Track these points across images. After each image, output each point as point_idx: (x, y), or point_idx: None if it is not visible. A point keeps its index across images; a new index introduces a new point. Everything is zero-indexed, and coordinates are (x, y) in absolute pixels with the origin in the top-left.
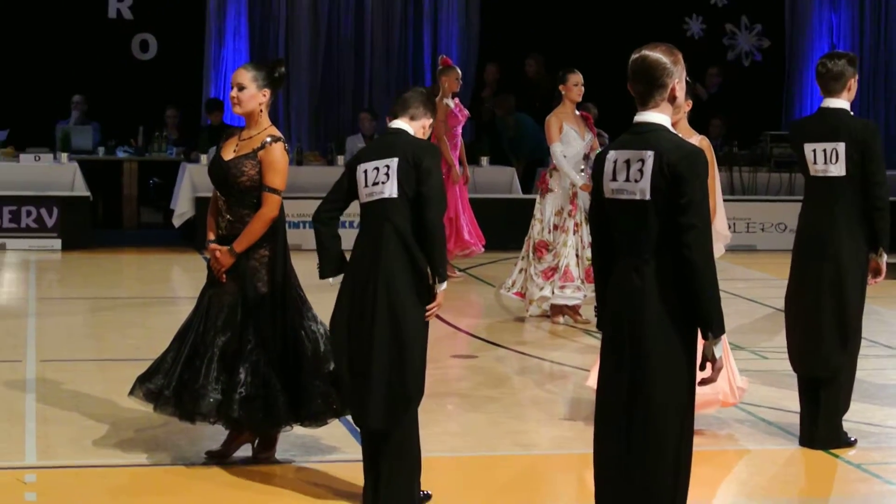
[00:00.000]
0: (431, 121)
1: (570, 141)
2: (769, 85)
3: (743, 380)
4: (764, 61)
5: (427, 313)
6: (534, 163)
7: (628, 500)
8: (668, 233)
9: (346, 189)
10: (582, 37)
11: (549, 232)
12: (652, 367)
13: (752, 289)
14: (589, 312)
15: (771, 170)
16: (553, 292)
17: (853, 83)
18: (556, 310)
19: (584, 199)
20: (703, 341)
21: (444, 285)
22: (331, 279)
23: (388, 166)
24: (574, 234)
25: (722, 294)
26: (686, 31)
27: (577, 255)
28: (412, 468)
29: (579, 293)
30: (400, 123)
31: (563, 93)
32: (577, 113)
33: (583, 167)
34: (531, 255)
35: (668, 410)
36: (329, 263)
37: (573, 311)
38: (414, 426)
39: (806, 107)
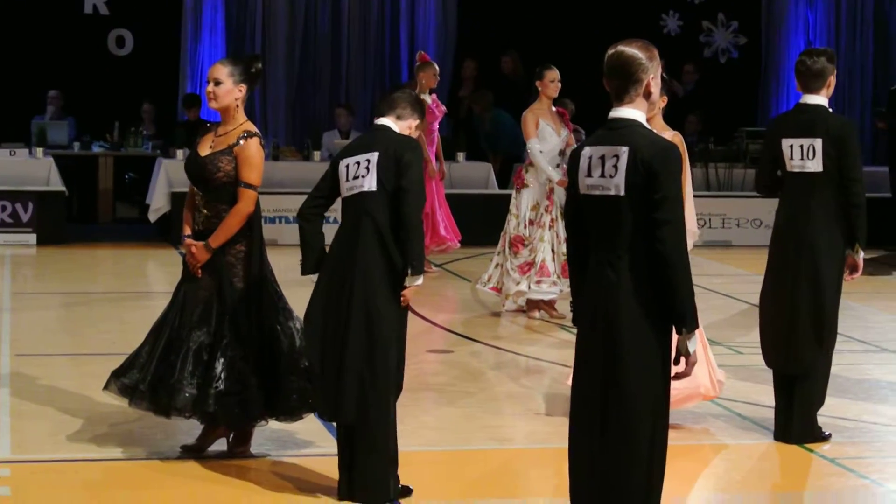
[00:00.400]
0: (418, 122)
1: (546, 137)
2: (745, 82)
3: (721, 373)
4: (740, 58)
5: (404, 299)
6: (510, 158)
7: (603, 493)
8: (643, 228)
9: (329, 185)
10: (559, 33)
11: (525, 227)
12: (626, 361)
13: (728, 284)
14: (565, 307)
15: (746, 166)
16: (529, 287)
17: (832, 80)
18: (532, 304)
19: (560, 195)
20: (677, 336)
21: (420, 279)
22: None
23: (368, 160)
24: (550, 229)
25: (697, 289)
26: (663, 27)
27: (552, 251)
28: (386, 462)
29: (555, 288)
30: (385, 121)
31: (539, 89)
32: (554, 109)
33: (559, 163)
34: (507, 250)
35: (642, 404)
36: (312, 260)
37: (549, 305)
38: (388, 420)
39: (782, 104)
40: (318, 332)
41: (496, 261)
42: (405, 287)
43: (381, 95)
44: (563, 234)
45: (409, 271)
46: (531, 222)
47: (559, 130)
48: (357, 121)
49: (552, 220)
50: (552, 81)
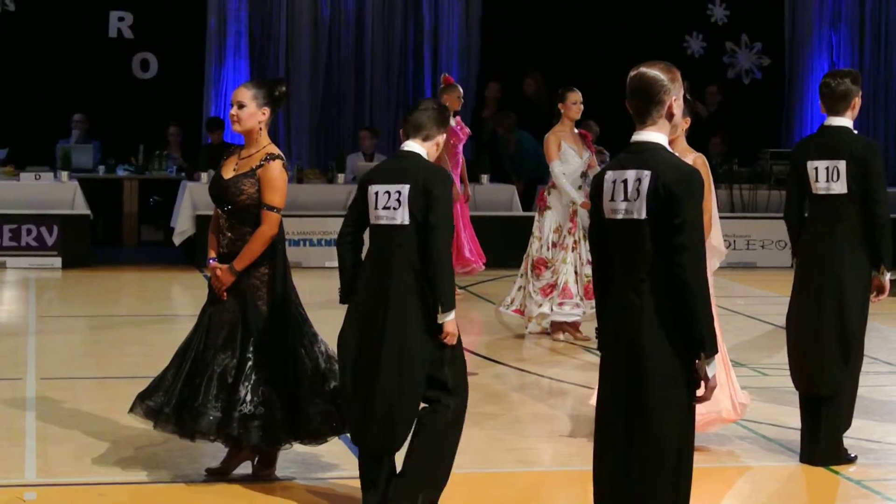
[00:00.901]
0: (444, 135)
1: (568, 159)
2: (769, 103)
3: (745, 395)
4: (764, 79)
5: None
6: (534, 181)
7: None
8: (664, 253)
9: (360, 209)
10: (582, 55)
11: (548, 249)
12: (650, 383)
13: (752, 306)
14: (589, 329)
15: (771, 187)
16: (552, 309)
17: (857, 101)
18: (556, 326)
19: (583, 217)
20: (697, 361)
21: (451, 315)
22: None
23: (399, 192)
24: (573, 251)
25: (721, 311)
26: (686, 49)
27: (575, 272)
28: (418, 487)
29: (578, 310)
30: (413, 146)
31: (561, 111)
32: (576, 131)
33: (581, 185)
34: (530, 272)
35: (666, 428)
36: (350, 289)
37: (573, 327)
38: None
39: (806, 124)
40: (350, 359)
41: (519, 283)
42: (440, 324)
43: (406, 111)
44: (585, 255)
45: (440, 308)
46: (554, 244)
47: (581, 152)
48: (381, 143)
49: (575, 242)
50: (574, 104)
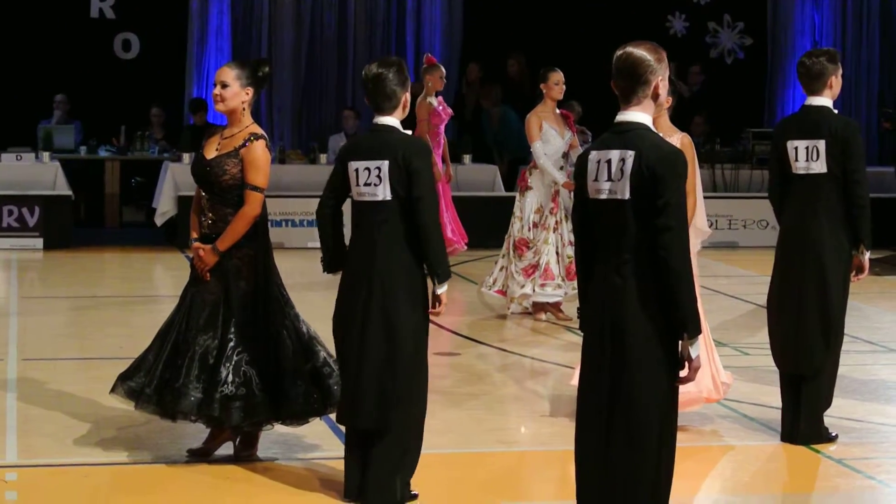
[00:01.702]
0: (408, 92)
1: (549, 139)
2: (751, 82)
3: (727, 375)
4: (746, 59)
5: (432, 315)
6: (516, 161)
7: (611, 495)
8: (647, 233)
9: (339, 183)
10: (564, 35)
11: (530, 230)
12: (632, 364)
13: (734, 285)
14: (571, 310)
15: (753, 167)
16: (534, 290)
17: (834, 80)
18: (538, 307)
19: (565, 198)
20: (680, 341)
21: (446, 286)
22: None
23: (379, 168)
24: (554, 231)
25: (704, 291)
26: (669, 28)
27: (557, 253)
28: (398, 467)
29: (560, 290)
30: (387, 120)
31: (543, 91)
32: (558, 111)
33: (562, 165)
34: (511, 252)
35: (649, 407)
36: (329, 259)
37: (555, 308)
38: (408, 428)
39: (788, 104)
40: (341, 338)
41: (501, 264)
42: (436, 296)
43: (365, 80)
44: (568, 236)
45: (436, 280)
46: (535, 225)
47: (563, 133)
48: (363, 123)
49: (557, 222)
50: (556, 84)
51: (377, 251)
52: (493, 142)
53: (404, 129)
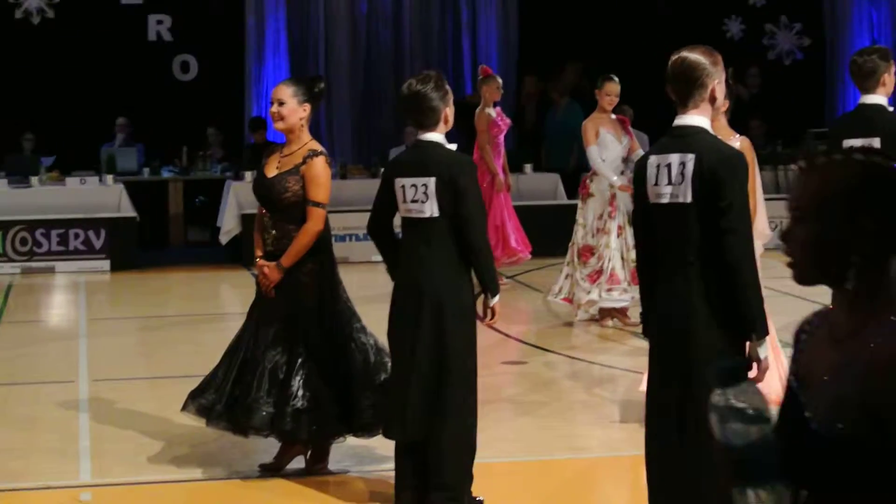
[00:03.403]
0: (449, 106)
1: (607, 144)
2: (811, 83)
3: None
4: (805, 59)
5: (487, 325)
6: (578, 169)
7: (681, 499)
8: (710, 235)
9: (387, 200)
10: (621, 42)
11: (593, 236)
12: (700, 368)
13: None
14: (637, 314)
15: None
16: (600, 295)
17: (887, 77)
18: (605, 313)
19: (623, 201)
20: (748, 343)
21: (497, 298)
22: None
23: (425, 185)
24: (618, 236)
25: (769, 292)
26: (725, 32)
27: (622, 258)
28: (462, 478)
29: (626, 295)
30: (431, 136)
31: (598, 98)
32: (614, 117)
33: (623, 170)
34: (576, 260)
35: None
36: (395, 263)
37: (621, 313)
38: (460, 437)
39: (849, 103)
40: (393, 352)
41: (566, 271)
42: (491, 307)
43: (403, 99)
44: (631, 241)
45: (489, 295)
46: (598, 231)
47: (620, 138)
48: None
49: (619, 226)
50: (608, 95)
51: (425, 266)
52: (555, 134)
53: (464, 140)
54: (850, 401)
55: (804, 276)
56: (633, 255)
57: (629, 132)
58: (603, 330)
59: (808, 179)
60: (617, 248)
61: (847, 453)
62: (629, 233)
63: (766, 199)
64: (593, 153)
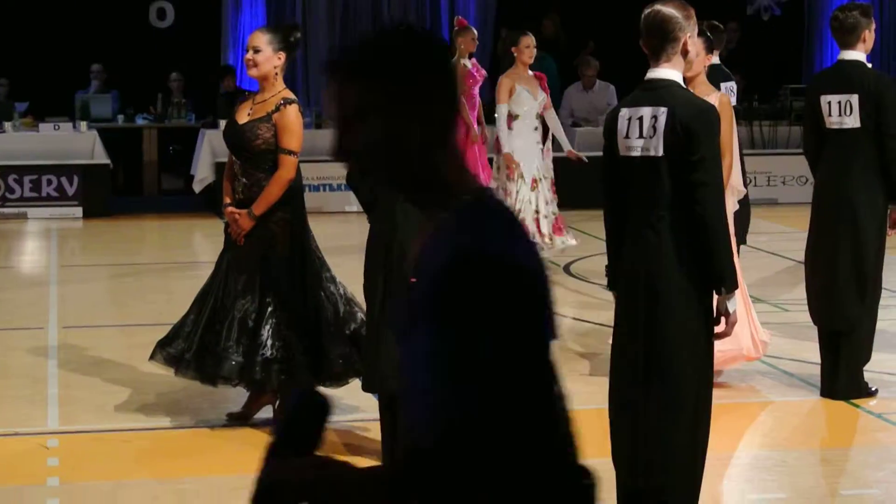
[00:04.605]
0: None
1: (522, 101)
2: (788, 39)
3: (766, 333)
4: (783, 15)
5: None
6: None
7: (647, 452)
8: (681, 189)
9: None
10: None
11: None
12: (668, 320)
13: (774, 242)
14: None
15: (791, 123)
16: None
17: (868, 34)
18: None
19: (529, 158)
20: (717, 296)
21: None
22: None
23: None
24: (531, 189)
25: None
26: None
27: (536, 210)
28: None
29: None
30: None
31: (514, 55)
32: (531, 73)
33: (537, 126)
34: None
35: (685, 363)
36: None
37: None
38: None
39: (826, 60)
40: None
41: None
42: None
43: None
44: (548, 195)
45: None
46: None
47: (536, 94)
48: None
49: (534, 180)
50: (527, 47)
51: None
52: None
53: None
54: None
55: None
56: (551, 209)
57: (545, 89)
58: (574, 284)
59: None
60: (530, 201)
61: None
62: (545, 185)
63: (744, 155)
64: (502, 111)
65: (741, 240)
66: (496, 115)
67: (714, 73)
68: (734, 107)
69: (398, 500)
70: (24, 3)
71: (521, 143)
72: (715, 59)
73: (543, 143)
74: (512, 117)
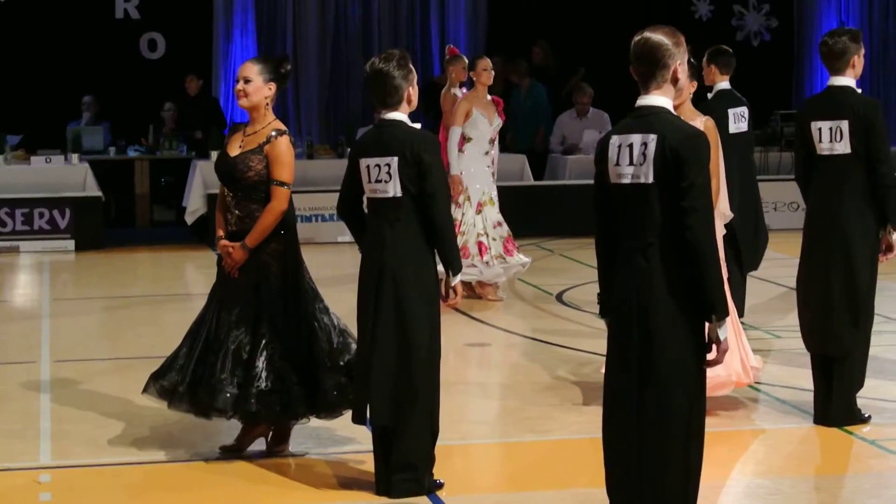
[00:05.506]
0: (412, 86)
1: (477, 125)
2: (779, 64)
3: (757, 359)
4: (773, 41)
5: (449, 305)
6: (546, 150)
7: (640, 482)
8: (672, 216)
9: (353, 180)
10: (589, 22)
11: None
12: (660, 348)
13: (765, 268)
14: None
15: (782, 149)
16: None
17: (857, 59)
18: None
19: (478, 182)
20: (707, 324)
21: (458, 278)
22: None
23: (388, 165)
24: (477, 213)
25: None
26: (694, 13)
27: (479, 234)
28: (421, 458)
29: (473, 270)
30: (394, 116)
31: (473, 78)
32: (489, 98)
33: (488, 150)
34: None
35: (677, 390)
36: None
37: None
38: (424, 420)
39: (816, 85)
40: (361, 333)
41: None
42: (452, 287)
43: (368, 77)
44: (494, 218)
45: (450, 273)
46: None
47: (492, 119)
48: None
49: (479, 203)
50: (485, 70)
51: (388, 246)
52: (524, 120)
53: (431, 120)
54: None
55: None
56: (499, 231)
57: (501, 115)
58: (566, 312)
59: None
60: (474, 224)
61: None
62: (492, 210)
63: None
64: (455, 134)
65: (751, 266)
66: (449, 136)
67: (724, 98)
68: (754, 132)
69: None
70: (14, 35)
71: (472, 165)
72: (725, 84)
73: (493, 167)
74: (465, 139)
